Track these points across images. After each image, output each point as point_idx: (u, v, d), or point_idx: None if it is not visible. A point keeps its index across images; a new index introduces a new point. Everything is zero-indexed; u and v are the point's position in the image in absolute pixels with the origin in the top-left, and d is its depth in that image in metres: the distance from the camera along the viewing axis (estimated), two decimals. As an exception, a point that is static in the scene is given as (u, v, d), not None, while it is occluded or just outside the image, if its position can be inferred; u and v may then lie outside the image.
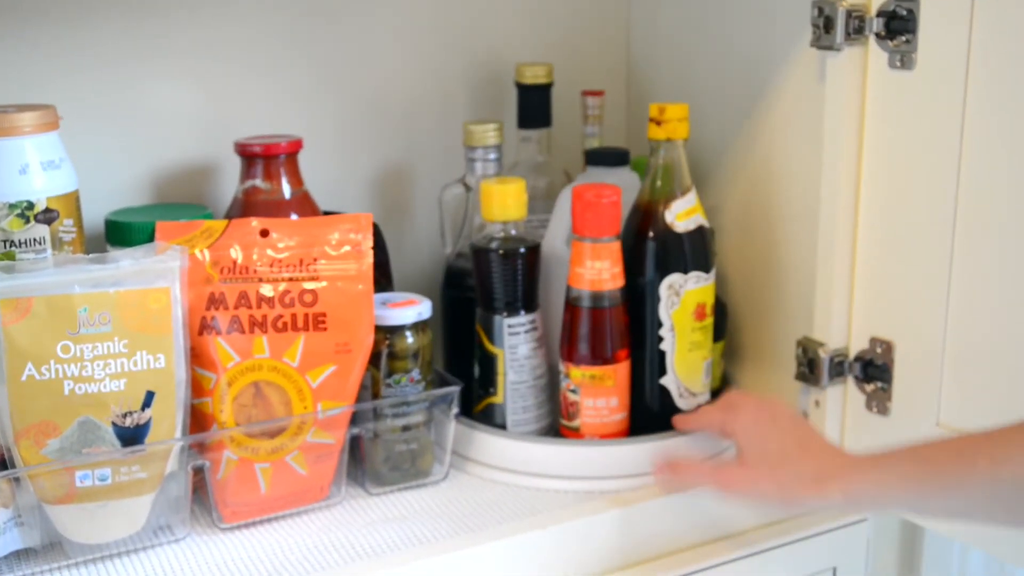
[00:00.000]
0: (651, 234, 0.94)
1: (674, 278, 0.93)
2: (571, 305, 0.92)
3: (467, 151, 1.03)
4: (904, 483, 0.73)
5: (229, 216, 0.95)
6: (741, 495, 0.84)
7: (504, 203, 0.93)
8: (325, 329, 0.85)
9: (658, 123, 0.94)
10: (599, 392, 0.92)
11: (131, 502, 0.81)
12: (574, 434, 0.93)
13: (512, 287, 0.94)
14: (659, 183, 0.95)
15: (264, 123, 1.03)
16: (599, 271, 0.90)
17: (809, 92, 0.94)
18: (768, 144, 1.01)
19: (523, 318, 0.94)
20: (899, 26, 0.85)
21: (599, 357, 0.91)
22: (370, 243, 0.87)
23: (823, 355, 0.93)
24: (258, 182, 0.95)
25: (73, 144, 0.87)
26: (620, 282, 0.91)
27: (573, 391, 0.92)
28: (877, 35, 0.87)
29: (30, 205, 0.85)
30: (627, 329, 0.93)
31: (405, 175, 1.13)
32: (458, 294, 1.02)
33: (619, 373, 0.92)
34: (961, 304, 0.85)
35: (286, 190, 0.95)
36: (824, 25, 0.88)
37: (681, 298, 0.94)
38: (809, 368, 0.94)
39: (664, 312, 0.93)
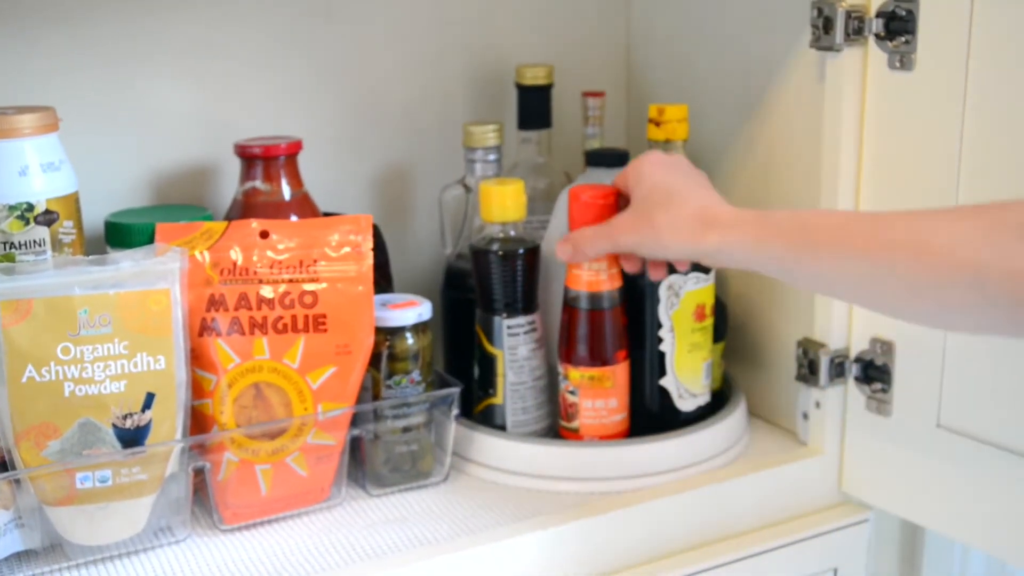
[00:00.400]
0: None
1: (673, 279, 0.93)
2: (569, 306, 0.92)
3: (467, 152, 1.03)
4: (783, 241, 0.72)
5: (229, 217, 0.95)
6: (623, 245, 0.83)
7: (503, 204, 0.93)
8: (325, 331, 0.85)
9: (657, 124, 0.95)
10: (598, 393, 0.92)
11: (132, 504, 0.81)
12: (573, 435, 0.93)
13: (511, 288, 0.94)
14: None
15: (264, 124, 1.03)
16: (596, 272, 0.90)
17: (809, 93, 0.94)
18: (768, 145, 1.01)
19: (522, 319, 0.94)
20: (898, 27, 0.85)
21: (598, 358, 0.91)
22: (370, 244, 0.87)
23: (823, 356, 0.93)
24: (258, 183, 0.95)
25: (73, 146, 0.87)
26: (618, 283, 0.91)
27: (572, 392, 0.92)
28: (876, 36, 0.87)
29: (30, 207, 0.85)
30: (626, 330, 0.93)
31: (405, 176, 1.13)
32: (458, 295, 1.02)
33: (618, 374, 0.92)
34: (961, 304, 0.84)
35: (286, 191, 0.95)
36: (823, 26, 0.88)
37: (681, 299, 0.94)
38: (809, 369, 0.94)
39: (664, 313, 0.93)
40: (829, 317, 0.93)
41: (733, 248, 0.75)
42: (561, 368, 0.93)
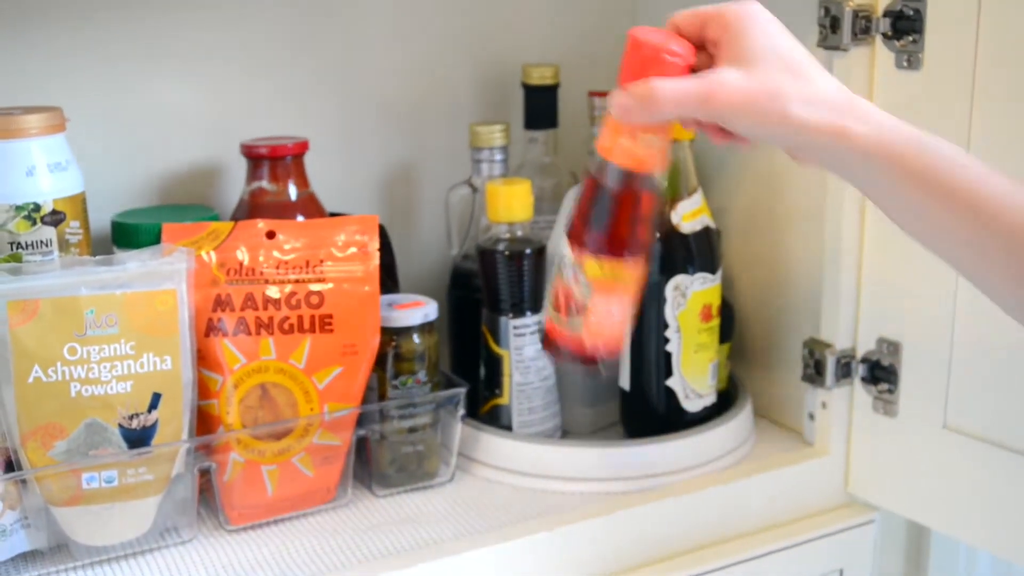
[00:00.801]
0: (657, 234, 0.94)
1: (680, 279, 0.93)
2: (595, 180, 0.71)
3: (473, 152, 1.03)
4: (923, 183, 0.60)
5: (235, 217, 0.95)
6: (720, 108, 0.63)
7: (510, 204, 0.93)
8: (331, 331, 0.85)
9: (664, 124, 0.94)
10: (615, 291, 0.72)
11: (138, 504, 0.81)
12: (568, 335, 0.74)
13: (518, 288, 0.94)
14: (665, 184, 0.94)
15: (270, 124, 1.03)
16: (649, 146, 0.69)
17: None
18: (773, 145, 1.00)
19: (529, 319, 0.94)
20: (906, 26, 0.85)
21: (628, 249, 0.71)
22: (376, 245, 0.87)
23: (830, 356, 0.93)
24: (264, 184, 0.95)
25: (79, 146, 0.87)
26: (659, 167, 0.71)
27: (583, 285, 0.73)
28: (884, 35, 0.87)
29: (37, 207, 0.85)
30: (652, 227, 0.74)
31: (411, 176, 1.13)
32: (464, 295, 1.02)
33: (639, 274, 0.73)
34: (968, 305, 0.84)
35: (292, 191, 0.95)
36: (830, 25, 0.88)
37: (687, 299, 0.93)
38: (816, 369, 0.94)
39: (670, 313, 0.93)
40: (835, 317, 0.93)
41: (879, 156, 0.61)
42: (571, 254, 0.72)
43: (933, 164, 0.60)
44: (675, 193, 0.94)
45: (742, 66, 0.64)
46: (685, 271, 0.93)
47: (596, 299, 0.72)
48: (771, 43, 0.64)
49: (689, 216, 0.94)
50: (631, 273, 0.72)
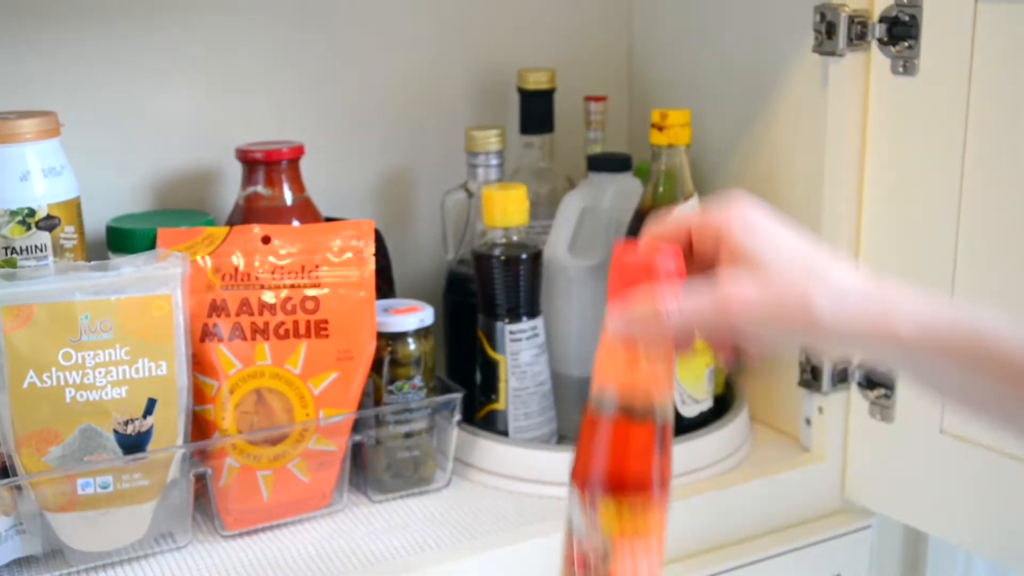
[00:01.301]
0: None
1: (676, 284, 0.93)
2: (602, 415, 0.59)
3: (469, 157, 1.03)
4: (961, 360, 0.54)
5: (230, 222, 0.95)
6: (745, 326, 0.56)
7: (506, 209, 0.93)
8: (327, 336, 0.85)
9: (660, 129, 0.94)
10: (637, 540, 0.60)
11: (133, 509, 0.80)
12: None
13: (514, 293, 0.93)
14: (661, 189, 0.94)
15: (265, 129, 1.03)
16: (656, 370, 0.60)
17: (811, 97, 0.94)
18: (770, 149, 1.01)
19: (525, 324, 0.94)
20: (902, 32, 0.85)
21: (643, 487, 0.59)
22: (372, 250, 0.87)
23: (826, 362, 0.93)
24: (260, 188, 0.95)
25: (74, 151, 0.87)
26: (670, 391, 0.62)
27: (599, 539, 0.60)
28: (880, 41, 0.87)
29: (31, 212, 0.85)
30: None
31: (407, 181, 1.13)
32: (460, 300, 1.02)
33: (663, 516, 0.61)
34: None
35: (288, 196, 0.95)
36: (826, 31, 0.88)
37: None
38: (812, 375, 0.94)
39: (667, 318, 0.93)
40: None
41: (927, 349, 0.55)
42: (581, 503, 0.61)
43: (985, 345, 0.55)
44: (671, 198, 0.94)
45: (754, 272, 0.57)
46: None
47: (617, 554, 0.60)
48: (777, 243, 0.58)
49: (685, 221, 0.93)
50: (654, 515, 0.60)
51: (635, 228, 0.95)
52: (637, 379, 0.59)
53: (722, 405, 1.00)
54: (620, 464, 0.59)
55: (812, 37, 0.89)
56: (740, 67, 1.04)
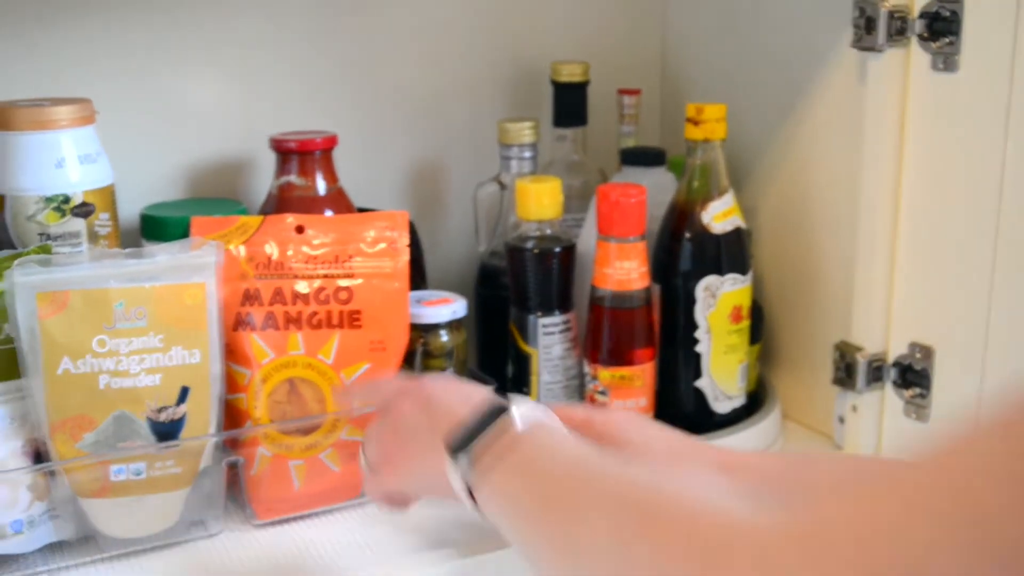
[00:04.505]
0: (687, 235, 0.93)
1: (710, 280, 0.93)
2: (597, 305, 0.91)
3: (502, 149, 1.03)
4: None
5: (263, 212, 0.95)
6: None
7: (540, 202, 0.93)
8: (360, 327, 0.85)
9: (696, 123, 0.94)
10: (628, 393, 0.91)
11: (165, 497, 0.80)
12: None
13: (547, 287, 0.93)
14: (696, 183, 0.94)
15: (298, 119, 1.03)
16: (627, 271, 0.89)
17: (849, 93, 0.93)
18: (807, 145, 1.00)
19: (557, 318, 0.93)
20: (942, 27, 0.84)
21: (627, 358, 0.91)
22: (406, 241, 0.86)
23: (860, 359, 0.92)
24: (293, 178, 0.95)
25: (109, 139, 0.87)
26: (646, 282, 0.90)
27: (602, 392, 0.91)
28: (920, 36, 0.86)
29: (66, 199, 0.85)
30: (654, 329, 0.92)
31: (439, 172, 1.12)
32: (491, 292, 1.02)
33: (647, 374, 0.91)
34: (1003, 310, 0.83)
35: (321, 186, 0.95)
36: (865, 26, 0.87)
37: (717, 300, 0.93)
38: (846, 373, 0.93)
39: (700, 314, 0.93)
40: (867, 320, 0.92)
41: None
42: (589, 368, 0.92)
43: None
44: (706, 193, 0.93)
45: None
46: (715, 272, 0.92)
47: (616, 402, 0.91)
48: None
49: (720, 216, 0.93)
50: (642, 374, 0.91)
51: (669, 223, 0.95)
52: (619, 279, 0.90)
53: (754, 402, 1.00)
54: (614, 344, 0.90)
55: (851, 31, 0.89)
56: (776, 61, 1.03)
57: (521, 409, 0.63)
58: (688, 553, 0.48)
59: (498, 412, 0.63)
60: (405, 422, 0.69)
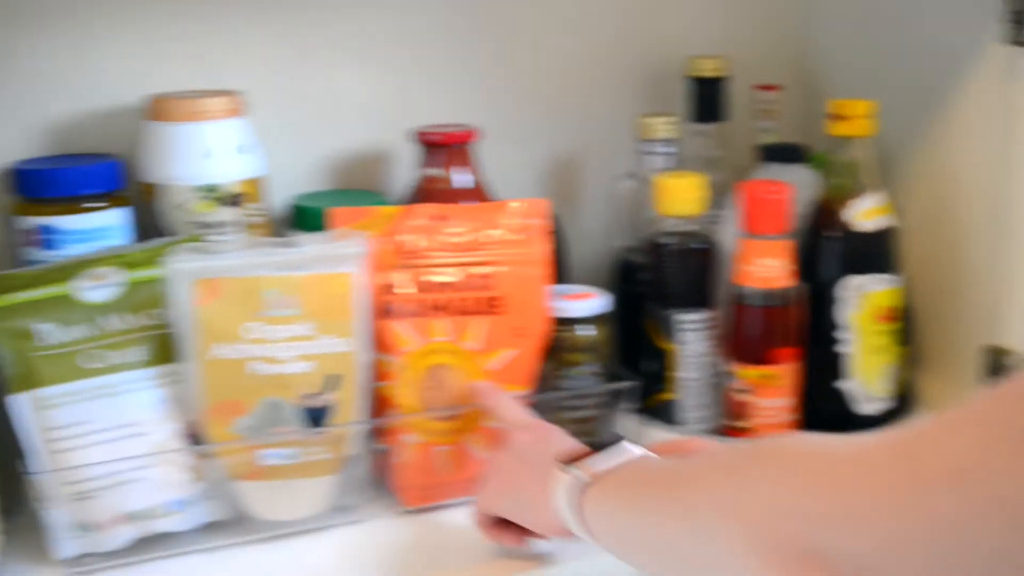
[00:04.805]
0: (833, 233, 0.92)
1: (855, 279, 0.91)
2: (738, 304, 0.90)
3: (641, 144, 1.02)
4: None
5: (407, 203, 0.96)
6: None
7: (681, 198, 0.92)
8: (502, 313, 0.85)
9: (841, 119, 0.92)
10: (772, 392, 0.90)
11: (314, 482, 0.82)
12: (744, 435, 0.91)
13: (687, 283, 0.93)
14: (842, 180, 0.92)
15: (438, 112, 1.03)
16: (770, 269, 0.88)
17: (998, 90, 0.91)
18: (954, 143, 0.97)
19: (697, 315, 0.93)
20: (1102, 22, 0.82)
21: (770, 357, 0.89)
22: (545, 228, 0.87)
23: (1010, 363, 0.90)
24: (435, 170, 0.95)
25: (261, 130, 0.89)
26: (790, 280, 0.89)
27: (743, 391, 0.90)
28: (1078, 31, 0.84)
29: (217, 188, 0.87)
30: (798, 328, 0.91)
31: (577, 167, 1.12)
32: (628, 288, 1.01)
33: (790, 373, 0.90)
34: None
35: (462, 179, 0.96)
36: (1015, 20, 0.85)
37: (862, 300, 0.91)
38: (996, 376, 0.91)
39: (846, 314, 0.91)
40: (1017, 323, 0.90)
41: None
42: (729, 366, 0.91)
43: None
44: (852, 190, 0.92)
45: None
46: (860, 271, 0.91)
47: (760, 400, 0.90)
48: None
49: (867, 214, 0.91)
50: (784, 373, 0.90)
51: (812, 221, 0.93)
52: (766, 274, 0.89)
53: (900, 405, 0.97)
54: (758, 343, 0.90)
55: (1000, 27, 0.86)
56: (920, 56, 1.00)
57: (633, 443, 0.68)
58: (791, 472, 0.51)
59: (613, 441, 0.68)
60: (523, 449, 0.75)
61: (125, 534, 0.79)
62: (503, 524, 0.77)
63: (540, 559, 0.77)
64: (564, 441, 0.74)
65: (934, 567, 0.44)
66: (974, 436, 0.43)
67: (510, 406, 0.82)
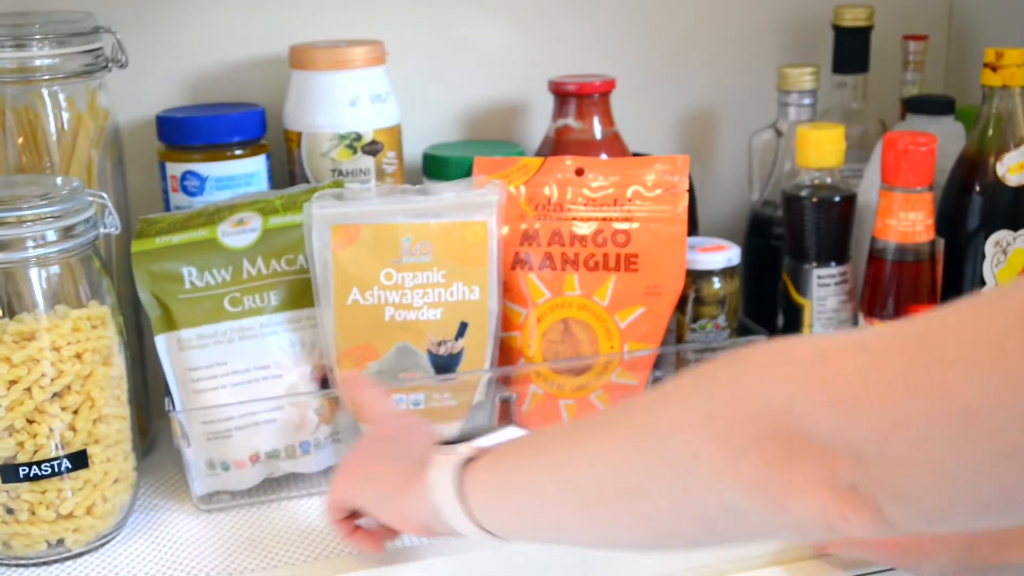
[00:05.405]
0: (978, 187, 0.88)
1: (1002, 235, 0.88)
2: (878, 258, 0.88)
3: (780, 95, 1.00)
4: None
5: (539, 154, 0.96)
6: None
7: (821, 150, 0.90)
8: (636, 270, 0.84)
9: (994, 69, 0.88)
10: None
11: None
12: None
13: (824, 237, 0.90)
14: (991, 133, 0.89)
15: (574, 63, 1.03)
16: (912, 223, 0.85)
17: None
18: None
19: (834, 269, 0.91)
20: None
21: (908, 313, 0.87)
22: (686, 185, 0.85)
23: None
24: (570, 121, 0.95)
25: (395, 79, 0.90)
26: (932, 235, 0.86)
27: None
28: None
29: (358, 136, 0.88)
30: (937, 284, 0.88)
31: (711, 119, 1.11)
32: (762, 242, 1.00)
33: None
34: None
35: (597, 130, 0.95)
36: None
37: (1008, 256, 0.88)
38: None
39: (989, 271, 0.88)
40: None
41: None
42: (866, 321, 0.89)
43: None
44: (1001, 144, 0.88)
45: None
46: (1008, 226, 0.87)
47: None
48: None
49: (1016, 168, 0.88)
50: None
51: (958, 174, 0.90)
52: (908, 228, 0.85)
53: None
54: (896, 299, 0.86)
55: None
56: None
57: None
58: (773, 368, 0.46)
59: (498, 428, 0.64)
60: (392, 438, 0.70)
61: (256, 474, 0.81)
62: (357, 523, 0.71)
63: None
64: (438, 433, 0.68)
65: (946, 459, 0.40)
66: (998, 319, 0.39)
67: (376, 399, 0.75)
